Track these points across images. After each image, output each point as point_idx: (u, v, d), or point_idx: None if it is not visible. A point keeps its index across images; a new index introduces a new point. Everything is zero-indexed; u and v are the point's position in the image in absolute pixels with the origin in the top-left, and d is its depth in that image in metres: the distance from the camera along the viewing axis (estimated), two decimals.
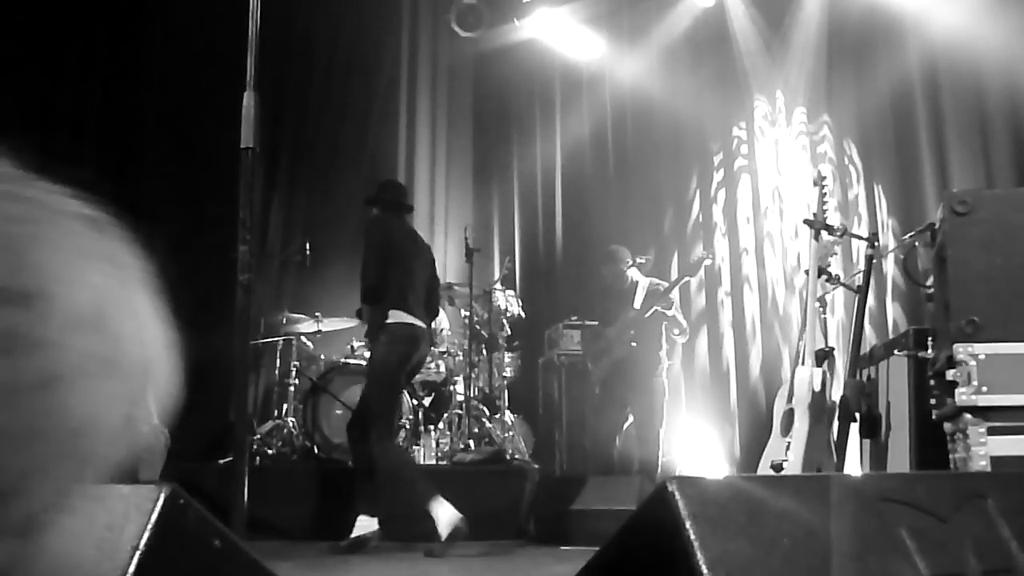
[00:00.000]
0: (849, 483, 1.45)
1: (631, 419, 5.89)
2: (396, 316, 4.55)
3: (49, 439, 0.40)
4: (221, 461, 5.35)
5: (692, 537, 1.26)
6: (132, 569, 1.23)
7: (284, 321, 6.27)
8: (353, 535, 4.37)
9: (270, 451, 5.85)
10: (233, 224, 2.28)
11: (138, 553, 1.25)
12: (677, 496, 1.30)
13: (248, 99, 2.22)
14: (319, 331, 6.22)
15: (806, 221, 3.89)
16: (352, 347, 6.25)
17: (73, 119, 4.83)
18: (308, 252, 6.13)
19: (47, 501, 0.41)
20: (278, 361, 6.40)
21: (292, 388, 6.15)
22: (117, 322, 0.46)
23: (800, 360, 3.74)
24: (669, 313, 5.72)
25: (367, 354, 6.25)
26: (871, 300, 6.59)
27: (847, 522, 1.36)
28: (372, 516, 4.43)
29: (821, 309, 4.78)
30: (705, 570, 1.24)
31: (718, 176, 7.55)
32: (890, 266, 6.53)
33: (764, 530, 1.31)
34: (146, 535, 1.26)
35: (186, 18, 5.24)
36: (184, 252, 5.65)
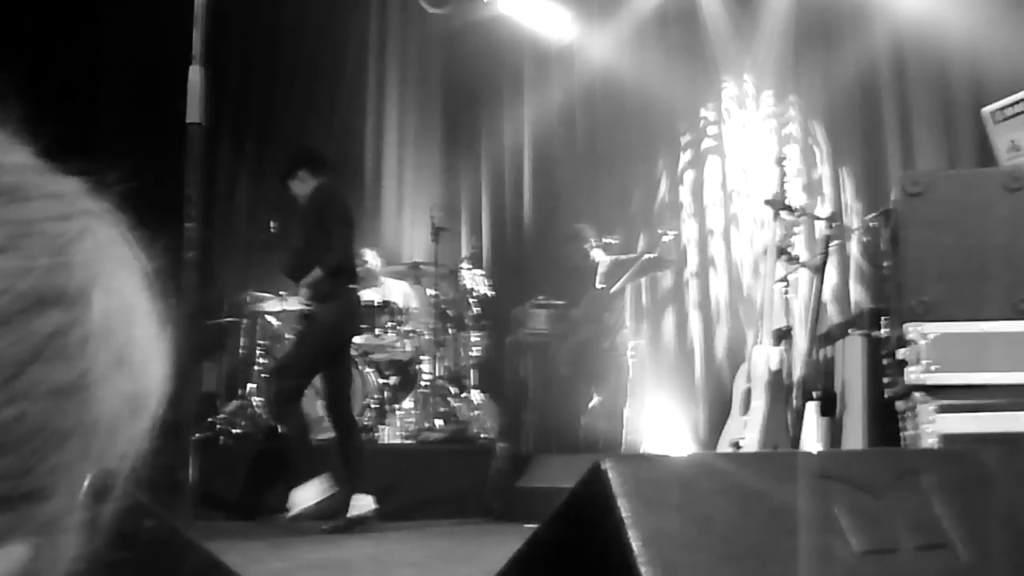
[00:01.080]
0: (786, 461, 1.46)
1: (597, 398, 5.92)
2: (352, 288, 4.60)
3: (77, 439, 0.42)
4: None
5: (625, 515, 1.26)
6: None
7: (248, 300, 6.22)
8: (351, 514, 4.33)
9: (235, 431, 5.82)
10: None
11: None
12: (610, 475, 1.29)
13: (194, 73, 2.18)
14: (284, 309, 6.17)
15: (766, 201, 3.90)
16: None
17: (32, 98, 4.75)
18: (273, 230, 6.08)
19: (70, 502, 0.43)
20: (243, 340, 6.35)
21: (257, 367, 6.12)
22: (141, 327, 0.47)
23: (759, 340, 3.77)
24: (652, 255, 5.74)
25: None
26: (835, 280, 6.65)
27: (783, 499, 1.36)
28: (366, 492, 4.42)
29: (785, 289, 4.81)
30: (637, 548, 1.24)
31: (685, 157, 7.54)
32: (854, 247, 6.57)
33: (699, 508, 1.31)
34: None
35: None
36: (147, 228, 5.59)
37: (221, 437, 5.74)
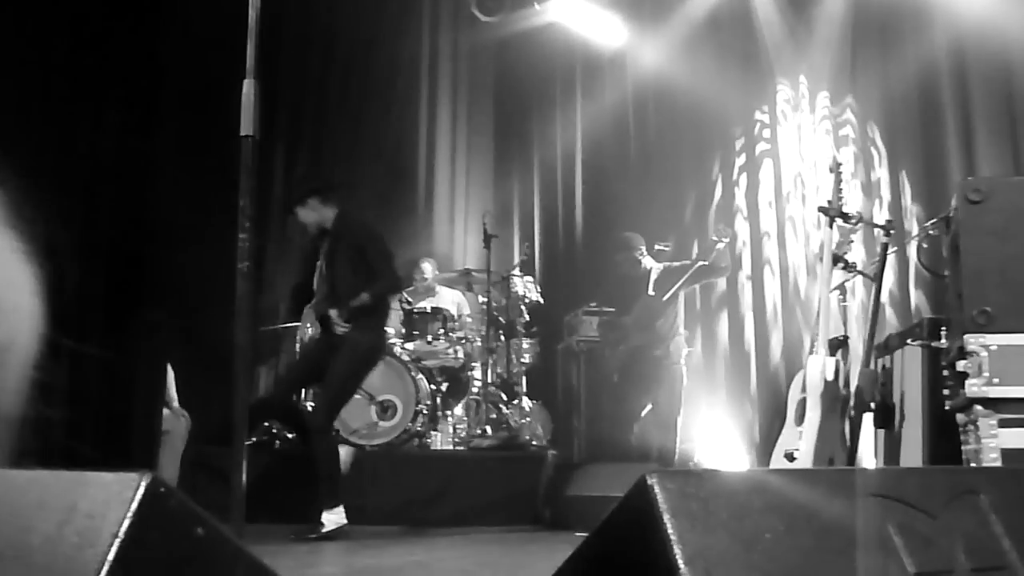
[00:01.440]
0: (837, 478, 1.43)
1: (649, 406, 5.88)
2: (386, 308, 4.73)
3: None
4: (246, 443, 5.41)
5: (670, 531, 1.25)
6: (112, 557, 1.24)
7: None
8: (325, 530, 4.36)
9: (290, 435, 5.89)
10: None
11: (118, 541, 1.25)
12: (656, 490, 1.28)
13: (248, 87, 2.22)
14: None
15: (821, 209, 3.84)
16: None
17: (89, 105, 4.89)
18: None
19: None
20: (297, 346, 6.43)
21: None
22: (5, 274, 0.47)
23: (814, 349, 3.71)
24: (706, 262, 5.71)
25: (389, 335, 6.32)
26: (894, 288, 6.52)
27: (833, 518, 1.34)
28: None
29: (841, 297, 4.73)
30: (683, 565, 1.23)
31: (740, 161, 7.48)
32: (913, 252, 6.44)
33: (746, 525, 1.29)
34: (126, 523, 1.27)
35: (201, 10, 5.29)
36: (204, 240, 5.71)
37: (276, 442, 5.82)
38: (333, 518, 4.35)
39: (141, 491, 1.29)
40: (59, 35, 4.71)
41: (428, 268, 6.81)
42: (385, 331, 4.79)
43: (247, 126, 2.18)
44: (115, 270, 5.04)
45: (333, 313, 4.55)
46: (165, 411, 5.14)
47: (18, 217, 4.49)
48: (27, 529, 1.29)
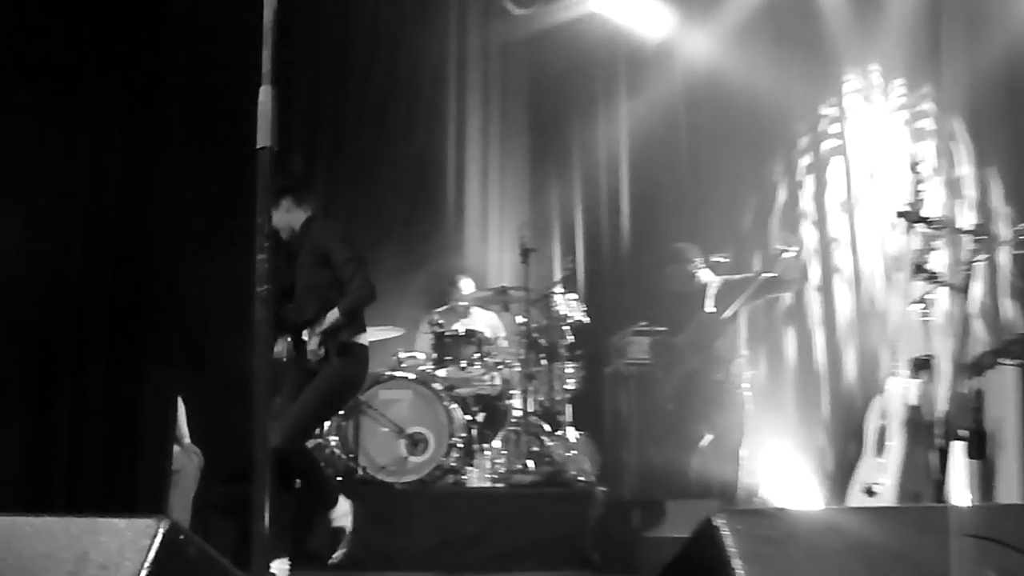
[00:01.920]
0: (925, 516, 1.41)
1: (709, 436, 5.85)
2: (364, 336, 4.72)
3: None
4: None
5: None
6: None
7: None
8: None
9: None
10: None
11: None
12: (725, 532, 1.28)
13: (264, 94, 2.25)
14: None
15: (900, 213, 3.81)
16: (398, 358, 6.31)
17: (95, 118, 4.98)
18: None
19: None
20: None
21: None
22: None
23: (894, 370, 3.67)
24: (772, 275, 5.68)
25: (419, 360, 6.35)
26: (983, 299, 6.42)
27: (922, 561, 1.32)
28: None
29: (924, 311, 4.67)
30: None
31: (805, 160, 7.43)
32: (1004, 259, 6.35)
33: (824, 570, 1.28)
34: (143, 574, 1.29)
35: (210, 15, 5.38)
36: (217, 260, 5.78)
37: (297, 480, 5.85)
38: (340, 513, 4.44)
39: (158, 539, 1.31)
40: (60, 40, 4.83)
41: (466, 286, 6.84)
42: (366, 362, 4.74)
43: (264, 137, 2.21)
44: (118, 294, 5.12)
45: (313, 342, 4.55)
46: (175, 448, 5.21)
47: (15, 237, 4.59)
48: None
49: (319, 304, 4.56)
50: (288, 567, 4.41)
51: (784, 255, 5.66)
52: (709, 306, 5.81)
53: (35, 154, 4.79)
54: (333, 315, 4.52)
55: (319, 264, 4.58)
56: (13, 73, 4.66)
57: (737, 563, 1.23)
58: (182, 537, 1.31)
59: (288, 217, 4.71)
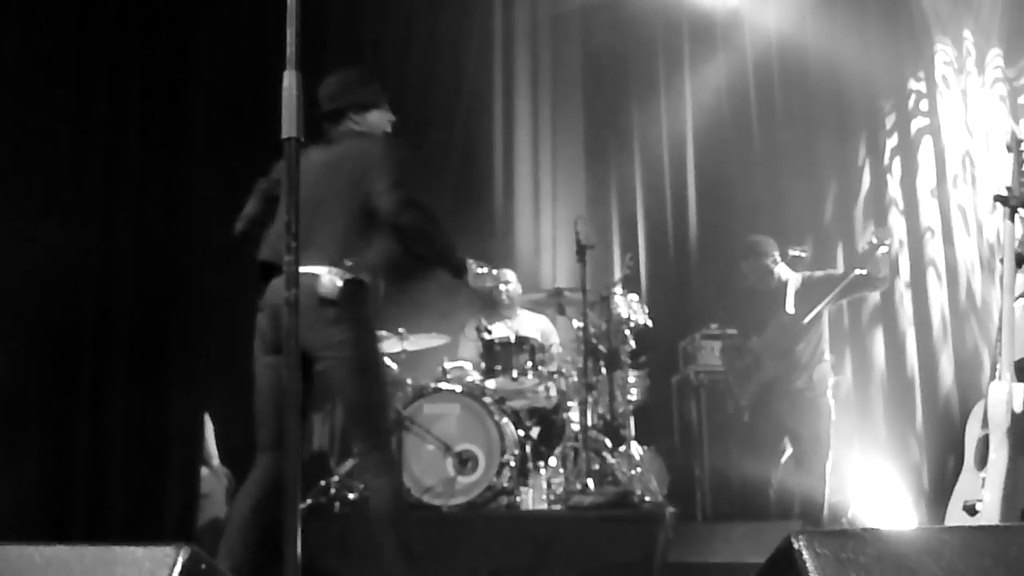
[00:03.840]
0: None
1: (790, 450, 5.81)
2: None
3: None
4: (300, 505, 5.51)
5: None
6: None
7: None
8: None
9: (351, 495, 5.97)
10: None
11: None
12: (805, 554, 1.26)
13: (289, 79, 2.26)
14: (404, 351, 6.31)
15: (998, 197, 3.74)
16: (443, 368, 6.33)
17: (113, 112, 5.07)
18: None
19: None
20: None
21: None
22: None
23: (996, 374, 3.61)
24: (863, 272, 5.61)
25: (466, 371, 6.34)
26: None
27: None
28: None
29: None
30: None
31: (892, 141, 7.35)
32: None
33: None
34: None
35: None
36: (244, 265, 5.85)
37: (335, 503, 5.90)
38: None
39: (178, 569, 1.33)
40: (73, 36, 4.93)
41: (512, 277, 6.83)
42: None
43: (290, 126, 2.22)
44: (141, 307, 5.21)
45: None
46: (203, 470, 5.28)
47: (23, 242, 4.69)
48: None
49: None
50: None
51: (879, 251, 5.56)
52: (789, 307, 5.75)
53: (51, 160, 4.88)
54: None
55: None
56: (27, 70, 4.76)
57: None
58: (204, 566, 1.32)
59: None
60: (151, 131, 5.05)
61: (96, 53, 4.97)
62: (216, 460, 5.49)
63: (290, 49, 2.26)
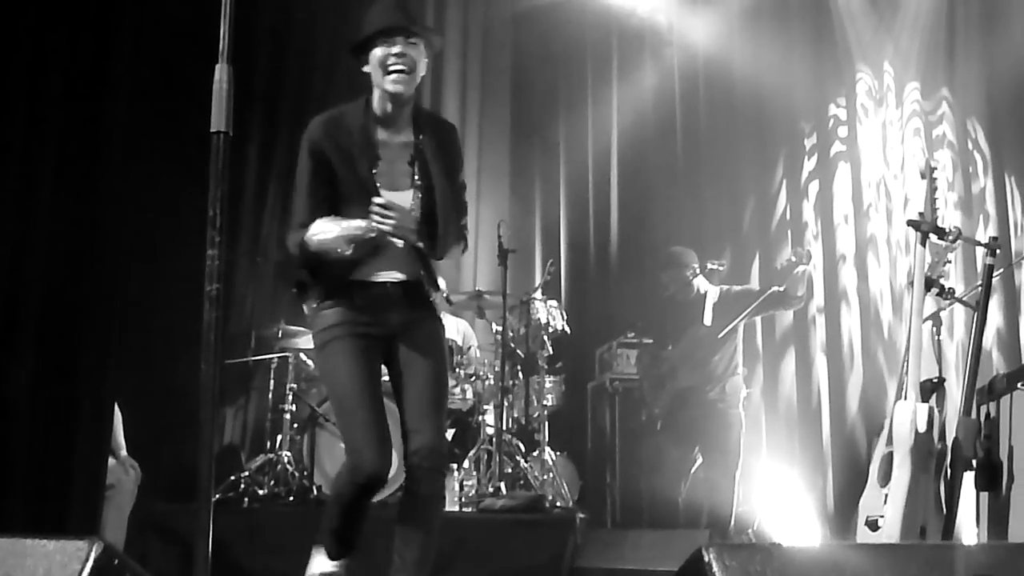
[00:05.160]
0: (932, 554, 1.42)
1: (700, 460, 5.86)
2: None
3: None
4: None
5: None
6: None
7: (280, 334, 6.33)
8: None
9: (261, 491, 5.91)
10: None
11: None
12: (715, 567, 1.29)
13: (220, 73, 2.23)
14: None
15: (911, 222, 3.84)
16: None
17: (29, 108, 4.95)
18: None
19: None
20: (272, 383, 6.46)
21: (288, 416, 6.21)
22: None
23: (902, 393, 3.69)
24: (780, 289, 5.69)
25: (384, 371, 6.27)
26: (1000, 319, 6.50)
27: None
28: None
29: (936, 329, 4.72)
30: None
31: (810, 164, 7.49)
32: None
33: None
34: None
35: None
36: (156, 259, 5.74)
37: (245, 499, 5.84)
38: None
39: (90, 563, 1.30)
40: None
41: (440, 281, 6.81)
42: None
43: (219, 120, 2.20)
44: (51, 291, 5.07)
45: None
46: (111, 461, 5.16)
47: None
48: None
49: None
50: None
51: (797, 269, 5.64)
52: (707, 319, 5.82)
53: None
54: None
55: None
56: None
57: None
58: (116, 561, 1.30)
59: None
60: (70, 126, 4.92)
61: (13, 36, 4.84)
62: (124, 451, 5.37)
63: (223, 41, 2.24)
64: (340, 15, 7.69)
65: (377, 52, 3.34)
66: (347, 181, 3.34)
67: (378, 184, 3.33)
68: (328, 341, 3.34)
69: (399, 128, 3.44)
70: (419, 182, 3.39)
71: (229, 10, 2.25)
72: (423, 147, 3.41)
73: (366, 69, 3.39)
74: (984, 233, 6.67)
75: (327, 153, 3.38)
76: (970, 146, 6.98)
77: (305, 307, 3.48)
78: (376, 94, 3.41)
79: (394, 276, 3.38)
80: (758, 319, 6.63)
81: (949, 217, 6.63)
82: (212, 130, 2.20)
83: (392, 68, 3.31)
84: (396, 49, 3.30)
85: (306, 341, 6.24)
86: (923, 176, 3.93)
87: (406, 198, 3.35)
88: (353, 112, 3.44)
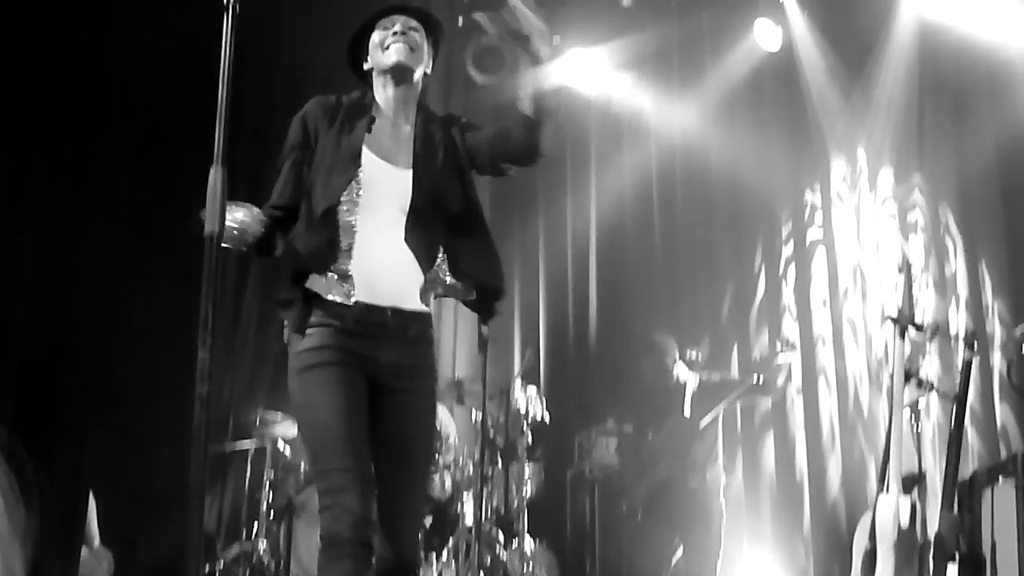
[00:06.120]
0: None
1: (681, 549, 5.84)
2: None
3: None
4: None
5: None
6: None
7: (257, 421, 6.29)
8: None
9: None
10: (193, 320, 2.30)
11: None
12: None
13: (215, 176, 2.26)
14: (297, 436, 6.22)
15: (890, 318, 3.89)
16: None
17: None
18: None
19: None
20: (248, 471, 6.40)
21: (265, 505, 6.15)
22: None
23: (884, 486, 3.71)
24: (759, 380, 5.71)
25: None
26: (976, 404, 6.53)
27: None
28: None
29: (914, 420, 4.75)
30: None
31: (787, 250, 7.57)
32: (998, 360, 6.48)
33: None
34: None
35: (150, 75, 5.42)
36: (136, 344, 5.72)
37: None
38: None
39: None
40: None
41: None
42: None
43: (212, 222, 2.22)
44: (28, 379, 5.05)
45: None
46: (84, 552, 5.10)
47: None
48: None
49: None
50: None
51: (779, 360, 5.71)
52: (687, 410, 5.84)
53: None
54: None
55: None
56: None
57: None
58: None
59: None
60: (57, 163, 4.93)
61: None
62: (97, 541, 5.30)
63: (218, 145, 2.27)
64: (327, 84, 7.77)
65: (375, 36, 3.12)
66: (329, 150, 3.08)
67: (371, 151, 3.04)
68: (311, 366, 2.86)
69: (403, 119, 3.20)
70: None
71: (224, 109, 2.27)
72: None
73: (366, 67, 3.20)
74: (958, 314, 6.74)
75: (316, 123, 3.16)
76: (941, 231, 7.07)
77: (285, 329, 3.02)
78: (378, 83, 3.18)
79: (399, 303, 2.96)
80: (737, 406, 6.65)
81: (925, 298, 6.71)
82: (206, 232, 2.22)
83: (391, 42, 3.08)
84: (396, 28, 3.08)
85: (285, 428, 6.22)
86: (900, 270, 3.99)
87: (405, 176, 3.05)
88: (355, 99, 3.22)
